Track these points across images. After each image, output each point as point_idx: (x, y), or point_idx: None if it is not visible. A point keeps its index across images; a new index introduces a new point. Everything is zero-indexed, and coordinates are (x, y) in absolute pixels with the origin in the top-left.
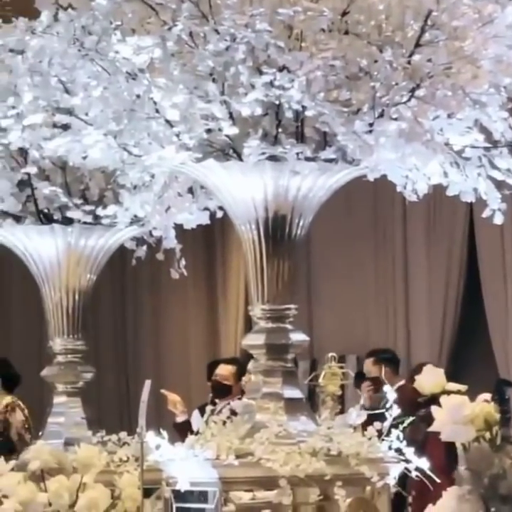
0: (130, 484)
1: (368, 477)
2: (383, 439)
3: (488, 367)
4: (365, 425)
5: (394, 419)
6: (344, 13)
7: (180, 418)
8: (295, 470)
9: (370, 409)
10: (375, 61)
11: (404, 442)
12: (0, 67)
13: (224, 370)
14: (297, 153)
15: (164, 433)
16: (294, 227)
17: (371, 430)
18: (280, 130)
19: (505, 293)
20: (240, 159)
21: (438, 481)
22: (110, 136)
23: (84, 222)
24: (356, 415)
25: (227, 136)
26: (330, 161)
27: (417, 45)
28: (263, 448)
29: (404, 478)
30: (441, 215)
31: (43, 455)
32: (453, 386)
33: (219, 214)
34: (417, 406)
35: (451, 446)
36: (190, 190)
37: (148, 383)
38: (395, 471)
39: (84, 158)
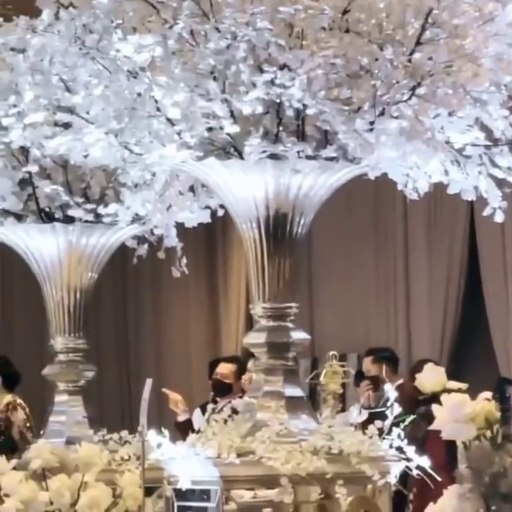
0: (131, 483)
1: (369, 476)
2: (384, 438)
3: (489, 365)
4: (366, 424)
5: (395, 417)
6: (345, 12)
7: (181, 417)
8: (296, 468)
9: (372, 407)
10: (376, 59)
11: (405, 440)
12: (1, 65)
13: (224, 369)
14: (298, 152)
15: (166, 432)
16: (294, 226)
17: (372, 429)
18: (281, 128)
19: (506, 291)
20: (241, 158)
21: (439, 479)
22: (111, 135)
23: (86, 221)
24: (357, 414)
25: (228, 134)
26: (331, 159)
27: (418, 43)
28: (264, 446)
29: (405, 477)
30: (441, 214)
31: (44, 454)
32: (454, 384)
33: (220, 212)
34: (417, 404)
35: (451, 444)
36: (192, 189)
37: (149, 382)
38: (396, 470)
39: (86, 156)
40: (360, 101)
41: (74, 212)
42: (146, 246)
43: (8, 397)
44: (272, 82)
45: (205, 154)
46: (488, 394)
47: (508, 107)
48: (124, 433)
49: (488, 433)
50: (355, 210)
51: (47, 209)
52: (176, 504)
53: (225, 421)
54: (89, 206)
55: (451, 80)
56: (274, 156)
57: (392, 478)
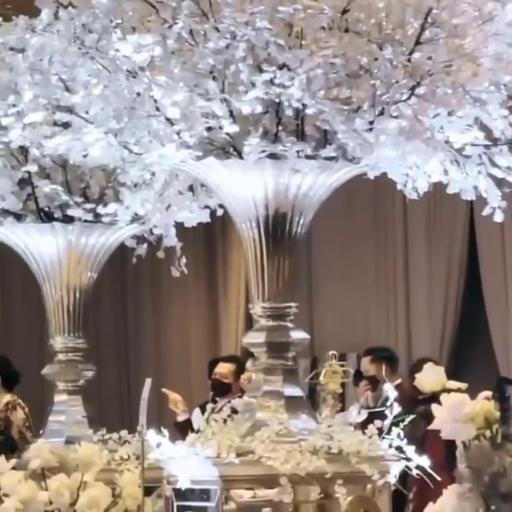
0: (131, 482)
1: (369, 475)
2: (384, 438)
3: (489, 365)
4: (365, 424)
5: (394, 417)
6: (344, 11)
7: (181, 417)
8: (296, 468)
9: (371, 407)
10: (376, 59)
11: (405, 440)
12: (0, 65)
13: (223, 369)
14: (297, 151)
15: (165, 431)
16: (294, 225)
17: (372, 428)
18: (280, 128)
19: (506, 291)
20: (241, 157)
21: (438, 478)
22: (111, 134)
23: (85, 221)
24: (356, 414)
25: (227, 134)
26: (330, 159)
27: (417, 42)
28: (264, 446)
29: (404, 476)
30: (441, 213)
31: (43, 454)
32: (453, 384)
33: (219, 212)
34: (416, 403)
35: (451, 443)
36: (191, 189)
37: (148, 381)
38: (395, 469)
39: (85, 156)
40: (360, 100)
41: (73, 212)
42: (145, 246)
43: (8, 397)
44: (271, 81)
45: (204, 154)
46: (489, 393)
47: (508, 107)
48: (124, 433)
49: (488, 433)
50: (354, 209)
51: (46, 209)
52: (175, 504)
53: (225, 421)
54: (88, 206)
55: (450, 80)
56: (273, 156)
57: (392, 478)
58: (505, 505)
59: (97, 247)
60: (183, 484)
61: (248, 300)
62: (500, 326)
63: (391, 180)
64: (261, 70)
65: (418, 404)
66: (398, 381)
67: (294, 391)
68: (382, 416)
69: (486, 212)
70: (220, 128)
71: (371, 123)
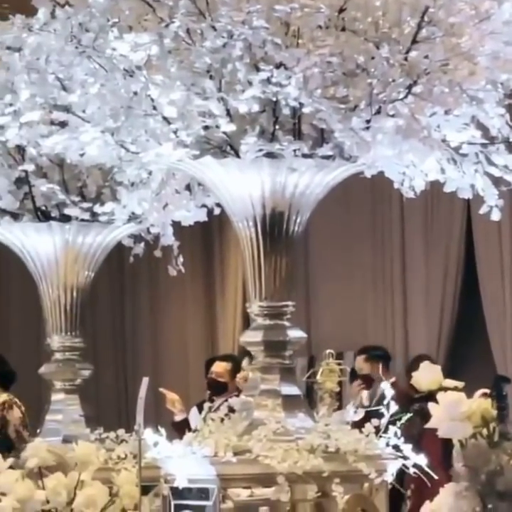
0: (128, 481)
1: (366, 474)
2: (381, 436)
3: (486, 364)
4: (360, 423)
5: (391, 416)
6: (341, 10)
7: (178, 417)
8: (293, 467)
9: (366, 406)
10: (372, 58)
11: (402, 439)
12: None
13: (219, 368)
14: (294, 150)
15: (162, 430)
16: (291, 224)
17: (368, 427)
18: (277, 127)
19: (503, 290)
20: (238, 156)
21: (436, 477)
22: (107, 134)
23: (82, 220)
24: (354, 412)
25: (224, 133)
26: (327, 157)
27: (414, 41)
28: (261, 445)
29: (401, 474)
30: (438, 212)
31: (40, 452)
32: (450, 383)
33: (216, 211)
34: (412, 401)
35: (448, 442)
36: (188, 187)
37: (145, 380)
38: (392, 468)
39: (82, 155)
40: (357, 99)
41: (70, 211)
42: (142, 245)
43: (4, 396)
44: (268, 80)
45: (201, 153)
46: (487, 390)
47: (504, 105)
48: (121, 431)
49: (485, 431)
50: (352, 209)
51: (43, 208)
52: (172, 503)
53: (222, 419)
54: (85, 205)
55: (447, 79)
56: (270, 155)
57: (389, 477)
58: (502, 503)
59: (94, 246)
60: (181, 483)
61: (245, 299)
62: (498, 324)
63: (388, 180)
64: (258, 69)
65: (414, 402)
66: (392, 379)
67: (291, 390)
68: (377, 414)
69: (483, 210)
70: (217, 127)
71: (368, 122)
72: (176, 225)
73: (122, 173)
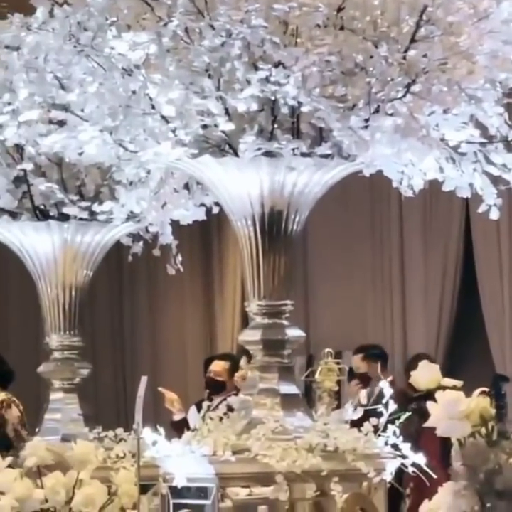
0: (127, 480)
1: (365, 473)
2: (379, 435)
3: (485, 362)
4: (358, 422)
5: (389, 415)
6: (339, 9)
7: (177, 416)
8: (292, 466)
9: (363, 405)
10: (371, 57)
11: (400, 437)
12: None
13: (217, 367)
14: (293, 149)
15: (161, 429)
16: (289, 223)
17: (367, 426)
18: (276, 126)
19: (502, 288)
20: (236, 155)
21: (434, 476)
22: (106, 132)
23: (81, 219)
24: (352, 411)
25: (223, 131)
26: (326, 156)
27: (413, 40)
28: (260, 444)
29: (400, 473)
30: (437, 211)
31: (39, 452)
32: (448, 382)
33: (215, 210)
34: (409, 400)
35: (446, 440)
36: (186, 186)
37: (144, 379)
38: (391, 467)
39: (80, 154)
40: (355, 98)
41: (69, 210)
42: (141, 244)
43: (2, 395)
44: (266, 79)
45: (199, 152)
46: (486, 388)
47: (503, 104)
48: (120, 430)
49: (483, 430)
50: (351, 208)
51: (42, 207)
52: (171, 501)
53: (221, 418)
54: (84, 204)
55: (445, 77)
56: (268, 154)
57: (388, 475)
58: (500, 502)
59: (93, 245)
60: (179, 482)
61: (244, 298)
62: (496, 323)
63: (387, 179)
64: (256, 68)
65: (412, 401)
66: (390, 378)
67: (290, 389)
68: (375, 413)
69: (481, 209)
70: (216, 126)
71: (366, 121)
72: (175, 224)
73: (121, 172)
